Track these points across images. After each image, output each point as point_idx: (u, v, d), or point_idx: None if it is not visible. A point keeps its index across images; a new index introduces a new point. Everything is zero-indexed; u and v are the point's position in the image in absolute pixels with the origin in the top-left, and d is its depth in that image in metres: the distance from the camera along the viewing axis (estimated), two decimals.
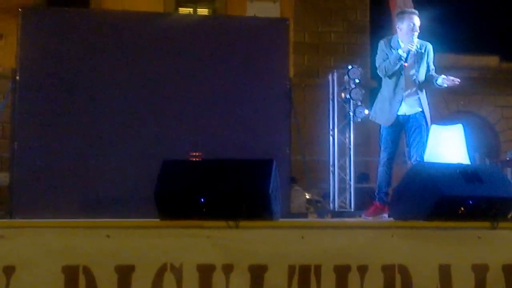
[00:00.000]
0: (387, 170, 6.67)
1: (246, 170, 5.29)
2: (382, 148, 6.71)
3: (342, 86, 10.52)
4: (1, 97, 10.65)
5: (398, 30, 6.69)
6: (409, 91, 6.62)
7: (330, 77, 10.58)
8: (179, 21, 9.23)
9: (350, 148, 10.42)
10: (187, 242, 4.85)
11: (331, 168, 10.12)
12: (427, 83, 6.73)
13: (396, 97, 6.61)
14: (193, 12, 15.09)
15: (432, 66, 6.78)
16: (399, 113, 6.62)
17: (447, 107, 17.67)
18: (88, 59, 8.02)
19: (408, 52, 6.51)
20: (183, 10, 15.31)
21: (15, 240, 4.76)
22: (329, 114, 10.52)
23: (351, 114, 10.41)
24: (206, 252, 4.83)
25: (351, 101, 10.32)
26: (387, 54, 6.63)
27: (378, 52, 6.74)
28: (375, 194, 6.72)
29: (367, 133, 14.52)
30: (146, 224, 5.05)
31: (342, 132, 10.49)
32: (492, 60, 18.08)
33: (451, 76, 6.68)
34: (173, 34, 8.31)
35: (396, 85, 6.61)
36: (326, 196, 10.71)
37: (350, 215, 9.09)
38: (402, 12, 6.79)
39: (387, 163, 6.67)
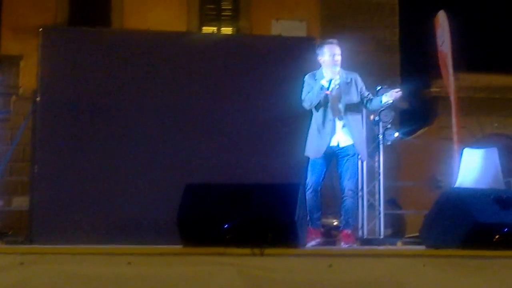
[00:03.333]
0: (314, 197, 6.63)
1: (272, 195, 5.23)
2: (309, 175, 6.67)
3: None
4: (21, 119, 10.71)
5: (320, 62, 6.73)
6: (338, 122, 6.62)
7: None
8: (202, 40, 9.18)
9: (379, 173, 10.22)
10: (210, 270, 4.80)
11: (359, 193, 9.93)
12: (371, 108, 6.86)
13: (325, 129, 6.61)
14: (217, 31, 15.02)
15: (365, 93, 6.76)
16: (331, 144, 6.62)
17: (481, 130, 17.37)
18: (110, 80, 7.97)
19: (330, 81, 6.53)
20: (207, 29, 15.25)
21: (34, 267, 4.75)
22: None
23: (380, 137, 10.23)
24: (229, 280, 4.75)
25: (381, 123, 10.14)
26: (312, 87, 6.64)
27: (304, 86, 6.74)
28: (308, 220, 6.63)
29: (397, 156, 14.33)
30: (168, 251, 5.00)
31: (371, 155, 10.28)
32: None
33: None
34: (196, 53, 8.24)
35: (324, 116, 6.61)
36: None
37: (379, 242, 8.90)
38: (322, 44, 6.83)
39: (314, 190, 6.63)
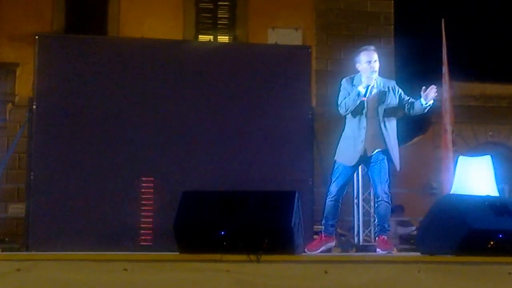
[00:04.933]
0: (335, 204, 6.59)
1: (268, 203, 5.25)
2: (333, 182, 6.61)
3: None
4: (17, 126, 10.83)
5: (359, 69, 6.67)
6: (372, 130, 6.55)
7: None
8: (199, 48, 9.19)
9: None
10: (206, 276, 4.82)
11: (355, 201, 9.95)
12: (413, 112, 6.64)
13: (360, 137, 6.55)
14: (213, 40, 15.07)
15: (406, 98, 6.66)
16: (361, 152, 6.55)
17: (476, 138, 17.50)
18: (105, 88, 7.98)
19: (367, 87, 6.45)
20: (203, 38, 15.30)
21: (31, 274, 4.76)
22: None
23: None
24: (226, 287, 4.76)
25: None
26: (348, 92, 6.57)
27: (341, 90, 6.67)
28: (322, 225, 6.64)
29: (392, 164, 14.36)
30: (164, 257, 5.01)
31: None
32: None
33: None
34: (192, 62, 8.25)
35: (359, 123, 6.57)
36: (350, 229, 10.54)
37: (374, 249, 8.93)
38: (359, 50, 6.73)
39: (336, 198, 6.60)
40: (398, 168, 6.70)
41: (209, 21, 15.69)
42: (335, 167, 6.65)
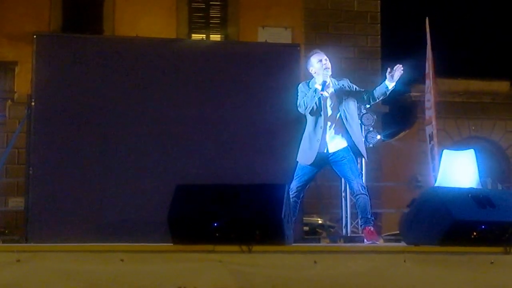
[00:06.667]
0: (295, 201, 6.64)
1: (259, 195, 5.32)
2: (294, 180, 6.69)
3: None
4: (16, 123, 10.92)
5: (312, 73, 6.76)
6: (332, 129, 6.63)
7: None
8: (191, 47, 9.32)
9: (362, 173, 10.38)
10: (200, 266, 4.89)
11: (342, 194, 10.08)
12: (375, 96, 6.62)
13: (316, 136, 6.61)
14: (206, 38, 15.25)
15: (361, 89, 6.73)
16: (321, 151, 6.61)
17: (459, 132, 17.75)
18: (102, 85, 8.09)
19: (324, 83, 6.52)
20: (196, 36, 15.50)
21: (30, 264, 4.82)
22: None
23: (363, 139, 10.40)
24: (219, 276, 4.86)
25: (363, 126, 10.29)
26: (305, 93, 6.65)
27: (299, 93, 6.73)
28: None
29: (379, 158, 14.57)
30: (159, 248, 5.08)
31: None
32: (503, 85, 18.17)
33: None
34: (185, 60, 8.37)
35: (315, 123, 6.63)
36: (338, 221, 10.67)
37: (362, 240, 9.07)
38: (309, 55, 6.85)
39: (296, 195, 6.66)
40: (366, 159, 6.91)
41: (201, 20, 15.88)
42: (296, 166, 6.75)
